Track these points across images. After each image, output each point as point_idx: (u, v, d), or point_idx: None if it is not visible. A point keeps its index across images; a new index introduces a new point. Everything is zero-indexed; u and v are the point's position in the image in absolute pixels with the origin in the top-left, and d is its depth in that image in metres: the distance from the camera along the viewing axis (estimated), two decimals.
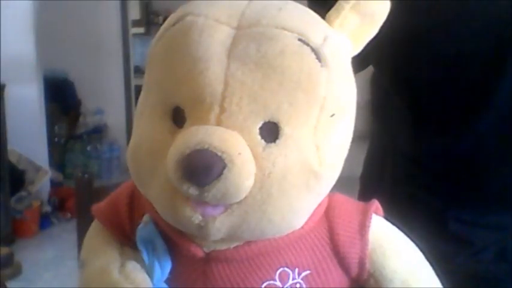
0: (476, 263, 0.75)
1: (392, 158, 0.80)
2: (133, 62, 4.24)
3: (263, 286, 0.50)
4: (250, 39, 0.46)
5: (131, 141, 0.51)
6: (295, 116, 0.46)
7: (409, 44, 0.62)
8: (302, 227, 0.50)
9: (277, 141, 0.46)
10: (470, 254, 0.75)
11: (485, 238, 0.75)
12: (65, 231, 3.12)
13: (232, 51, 0.46)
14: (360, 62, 0.51)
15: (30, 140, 3.28)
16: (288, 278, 0.51)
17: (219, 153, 0.43)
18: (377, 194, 0.56)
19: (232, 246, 0.50)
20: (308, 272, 0.51)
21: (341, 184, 0.52)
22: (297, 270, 0.51)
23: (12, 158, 3.12)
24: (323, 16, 0.51)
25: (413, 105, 0.76)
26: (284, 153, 0.46)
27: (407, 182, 0.77)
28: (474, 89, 0.71)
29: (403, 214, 0.55)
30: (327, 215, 0.53)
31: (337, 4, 0.51)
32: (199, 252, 0.51)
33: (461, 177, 0.75)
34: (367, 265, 0.52)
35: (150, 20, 5.35)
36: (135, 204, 0.57)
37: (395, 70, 0.72)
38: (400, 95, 0.75)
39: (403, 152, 0.78)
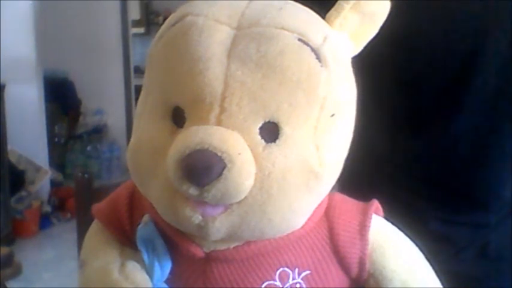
0: (458, 261, 0.75)
1: (371, 159, 0.80)
2: (133, 62, 4.23)
3: (263, 286, 0.50)
4: (250, 39, 0.46)
5: (131, 141, 0.51)
6: (295, 116, 0.46)
7: (387, 45, 0.62)
8: (302, 227, 0.50)
9: (277, 141, 0.46)
10: (451, 253, 0.75)
11: (466, 237, 0.75)
12: (65, 231, 3.12)
13: (232, 51, 0.46)
14: None
15: (30, 140, 3.28)
16: (288, 278, 0.51)
17: (219, 153, 0.43)
18: (357, 195, 0.56)
19: (232, 246, 0.50)
20: (308, 272, 0.51)
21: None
22: (297, 270, 0.51)
23: (12, 158, 3.12)
24: (323, 16, 0.51)
25: (390, 106, 0.76)
26: (284, 153, 0.46)
27: (387, 183, 0.77)
28: (448, 91, 0.71)
29: (384, 214, 0.55)
30: (327, 215, 0.53)
31: (337, 4, 0.51)
32: (199, 252, 0.51)
33: (440, 178, 0.75)
34: (367, 265, 0.52)
35: (150, 20, 5.35)
36: (135, 204, 0.57)
37: (373, 71, 0.72)
38: (379, 97, 0.75)
39: (383, 154, 0.78)
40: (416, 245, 0.55)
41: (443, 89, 0.72)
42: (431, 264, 0.54)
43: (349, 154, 0.52)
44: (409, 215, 0.67)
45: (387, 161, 0.78)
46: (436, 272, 0.54)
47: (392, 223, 0.55)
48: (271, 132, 0.46)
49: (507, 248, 0.76)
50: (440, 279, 0.54)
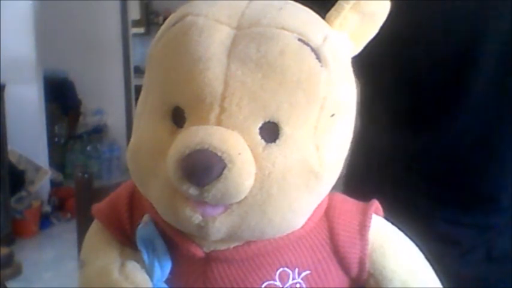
0: (464, 263, 0.74)
1: (376, 159, 0.80)
2: (133, 62, 4.24)
3: (263, 286, 0.50)
4: (250, 39, 0.46)
5: (131, 141, 0.51)
6: (295, 116, 0.46)
7: (388, 45, 0.62)
8: (302, 227, 0.50)
9: (277, 141, 0.46)
10: (458, 255, 0.75)
11: (472, 238, 0.75)
12: (65, 231, 3.12)
13: (232, 51, 0.46)
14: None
15: (30, 140, 3.28)
16: (288, 278, 0.51)
17: (219, 154, 0.43)
18: (362, 194, 0.55)
19: (232, 246, 0.50)
20: (308, 272, 0.51)
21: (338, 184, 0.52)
22: (297, 270, 0.51)
23: (12, 158, 3.12)
24: (323, 16, 0.51)
25: (390, 105, 0.76)
26: (284, 153, 0.46)
27: (392, 183, 0.77)
28: (448, 90, 0.71)
29: (389, 215, 0.55)
30: (327, 215, 0.53)
31: (337, 4, 0.51)
32: (199, 252, 0.51)
33: (444, 177, 0.75)
34: (367, 265, 0.52)
35: (150, 20, 5.35)
36: (135, 204, 0.57)
37: (373, 71, 0.72)
38: (379, 96, 0.75)
39: (387, 153, 0.78)
40: (422, 246, 0.55)
41: (444, 88, 0.72)
42: (436, 266, 0.54)
43: (353, 153, 0.51)
44: (415, 216, 0.67)
45: (389, 160, 0.78)
46: (441, 273, 0.54)
47: (396, 223, 0.55)
48: (271, 132, 0.46)
49: None
50: (446, 281, 0.54)
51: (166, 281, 0.52)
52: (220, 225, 0.46)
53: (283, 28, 0.46)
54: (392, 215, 0.55)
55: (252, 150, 0.45)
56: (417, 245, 0.55)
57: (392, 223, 0.55)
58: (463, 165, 0.74)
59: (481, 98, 0.70)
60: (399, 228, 0.55)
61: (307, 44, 0.46)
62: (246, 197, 0.45)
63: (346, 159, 0.51)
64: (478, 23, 0.68)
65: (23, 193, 3.14)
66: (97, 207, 0.60)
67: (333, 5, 0.51)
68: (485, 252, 0.76)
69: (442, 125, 0.73)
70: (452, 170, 0.74)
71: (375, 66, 0.65)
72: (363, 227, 0.52)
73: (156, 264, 0.51)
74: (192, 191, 0.44)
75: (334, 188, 0.51)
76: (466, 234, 0.75)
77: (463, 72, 0.70)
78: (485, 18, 0.68)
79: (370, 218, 0.53)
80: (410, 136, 0.75)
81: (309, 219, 0.50)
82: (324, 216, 0.53)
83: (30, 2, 3.22)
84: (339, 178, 0.51)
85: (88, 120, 4.17)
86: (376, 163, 0.80)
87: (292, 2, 0.50)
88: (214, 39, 0.46)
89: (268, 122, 0.45)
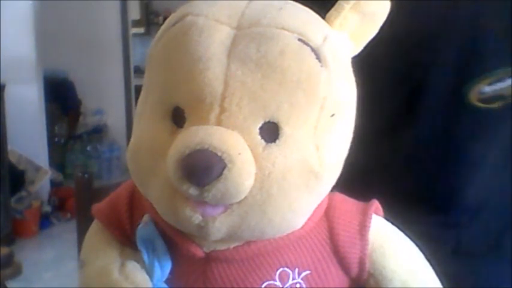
0: (433, 260, 0.75)
1: (376, 159, 0.80)
2: (133, 62, 4.24)
3: (263, 286, 0.50)
4: (250, 39, 0.46)
5: (131, 141, 0.51)
6: (295, 116, 0.46)
7: (391, 44, 0.62)
8: (302, 227, 0.50)
9: (277, 141, 0.46)
10: (429, 252, 0.75)
11: (440, 235, 0.75)
12: (65, 231, 3.12)
13: (232, 51, 0.46)
14: None
15: (30, 140, 3.29)
16: (288, 278, 0.51)
17: (219, 153, 0.43)
18: (362, 194, 0.55)
19: (232, 246, 0.50)
20: (308, 272, 0.51)
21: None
22: (297, 270, 0.51)
23: (12, 158, 3.13)
24: (323, 16, 0.51)
25: (392, 106, 0.76)
26: (284, 154, 0.46)
27: (392, 183, 0.77)
28: (448, 88, 0.71)
29: (389, 215, 0.55)
30: (327, 215, 0.53)
31: (337, 4, 0.51)
32: (199, 252, 0.51)
33: (409, 178, 0.75)
34: (367, 265, 0.52)
35: (150, 20, 5.36)
36: (135, 204, 0.57)
37: (373, 71, 0.72)
38: (380, 95, 0.75)
39: (386, 154, 0.78)
40: (421, 246, 0.54)
41: (443, 88, 0.72)
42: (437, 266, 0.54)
43: (350, 154, 0.52)
44: (413, 216, 0.67)
45: (389, 160, 0.78)
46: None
47: (396, 223, 0.55)
48: (271, 132, 0.46)
49: (478, 245, 0.76)
50: None
51: (166, 281, 0.52)
52: (220, 225, 0.46)
53: (283, 28, 0.46)
54: (392, 215, 0.55)
55: (252, 150, 0.45)
56: (417, 245, 0.55)
57: (392, 223, 0.55)
58: (421, 166, 0.74)
59: (434, 102, 0.70)
60: (399, 228, 0.55)
61: (307, 44, 0.46)
62: (246, 197, 0.45)
63: (346, 159, 0.51)
64: (478, 24, 0.68)
65: (23, 193, 3.15)
66: (97, 207, 0.60)
67: (333, 5, 0.51)
68: (453, 248, 0.76)
69: (408, 129, 0.73)
70: (414, 173, 0.74)
71: (375, 66, 0.65)
72: (363, 227, 0.52)
73: (156, 264, 0.51)
74: (192, 191, 0.44)
75: (334, 188, 0.51)
76: (434, 232, 0.75)
77: (415, 76, 0.70)
78: (485, 19, 0.68)
79: (370, 218, 0.53)
80: (390, 136, 0.76)
81: (309, 219, 0.50)
82: (324, 216, 0.53)
83: (30, 2, 3.23)
84: (339, 178, 0.51)
85: (88, 120, 4.17)
86: (376, 163, 0.80)
87: (292, 2, 0.50)
88: (214, 39, 0.46)
89: (268, 122, 0.45)
